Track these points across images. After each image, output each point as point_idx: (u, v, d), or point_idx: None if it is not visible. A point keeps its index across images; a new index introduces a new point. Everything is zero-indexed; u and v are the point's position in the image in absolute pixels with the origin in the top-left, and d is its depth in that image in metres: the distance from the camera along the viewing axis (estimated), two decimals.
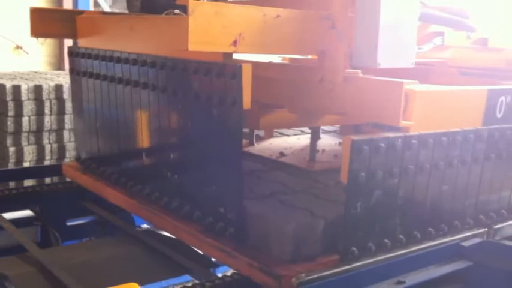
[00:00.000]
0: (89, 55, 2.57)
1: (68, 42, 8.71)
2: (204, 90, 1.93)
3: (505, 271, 1.93)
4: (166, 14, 2.64)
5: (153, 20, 2.22)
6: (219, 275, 1.99)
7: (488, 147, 2.08)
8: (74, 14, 2.72)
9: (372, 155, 1.72)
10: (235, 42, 1.73)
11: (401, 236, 1.90)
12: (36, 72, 6.08)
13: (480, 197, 2.14)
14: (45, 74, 5.58)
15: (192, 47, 1.65)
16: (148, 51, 2.19)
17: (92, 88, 2.62)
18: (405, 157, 1.81)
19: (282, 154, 2.65)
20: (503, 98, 2.12)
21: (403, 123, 1.75)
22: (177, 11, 2.64)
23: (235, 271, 1.88)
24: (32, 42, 8.60)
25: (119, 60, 2.35)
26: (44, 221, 2.79)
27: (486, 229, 2.17)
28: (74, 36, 2.70)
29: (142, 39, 2.20)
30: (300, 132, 3.28)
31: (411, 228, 1.93)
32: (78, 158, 2.90)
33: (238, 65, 1.75)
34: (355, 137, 1.68)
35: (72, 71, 2.78)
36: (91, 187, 2.73)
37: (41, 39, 8.74)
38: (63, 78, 5.06)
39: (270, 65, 2.59)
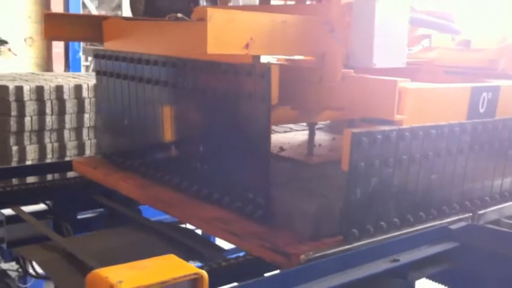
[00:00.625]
0: (116, 57, 2.75)
1: (56, 45, 8.86)
2: (234, 89, 2.12)
3: (488, 251, 2.10)
4: (169, 17, 2.82)
5: (179, 25, 2.40)
6: None
7: (472, 140, 2.26)
8: (96, 19, 2.91)
9: (370, 146, 1.91)
10: (247, 45, 1.92)
11: (395, 219, 2.10)
12: (33, 73, 6.19)
13: (465, 185, 2.34)
14: (43, 76, 5.69)
15: (210, 50, 1.84)
16: (175, 54, 2.38)
17: (120, 88, 2.78)
18: (399, 148, 2.00)
19: (281, 149, 2.84)
20: (485, 94, 2.31)
21: (397, 117, 1.95)
22: (179, 14, 2.81)
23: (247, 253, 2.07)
24: (20, 43, 8.71)
25: (148, 62, 2.53)
26: (56, 214, 2.92)
27: (471, 214, 2.36)
28: (96, 39, 2.89)
29: (171, 43, 2.37)
30: (289, 129, 3.48)
31: (404, 213, 2.12)
32: (101, 153, 3.06)
33: (267, 66, 1.96)
34: (355, 130, 1.87)
35: (98, 72, 2.95)
36: (103, 181, 2.87)
37: (29, 41, 8.88)
38: (62, 80, 5.18)
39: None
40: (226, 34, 1.88)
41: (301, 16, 2.11)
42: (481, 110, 2.31)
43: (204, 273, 1.50)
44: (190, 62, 2.31)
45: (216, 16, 1.84)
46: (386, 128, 1.96)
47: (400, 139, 2.00)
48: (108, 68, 2.86)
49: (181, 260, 1.57)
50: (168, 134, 2.57)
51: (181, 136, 2.52)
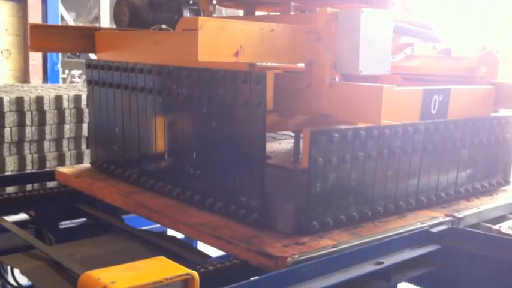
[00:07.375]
0: (109, 67, 2.77)
1: (33, 57, 8.77)
2: (230, 95, 2.16)
3: (468, 253, 2.18)
4: (153, 29, 2.84)
5: (172, 35, 2.45)
6: None
7: (425, 139, 2.37)
8: (83, 31, 2.93)
9: (327, 143, 2.03)
10: (237, 53, 1.96)
11: (354, 213, 2.20)
12: (12, 85, 6.13)
13: (421, 182, 2.44)
14: (22, 87, 5.63)
15: (201, 57, 1.87)
16: (169, 62, 2.41)
17: (112, 97, 2.80)
18: (355, 146, 2.11)
19: (268, 157, 2.88)
20: (436, 96, 2.38)
21: (384, 122, 2.01)
22: (164, 26, 2.84)
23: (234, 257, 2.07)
24: None
25: (142, 71, 2.55)
26: (38, 224, 2.90)
27: (451, 218, 2.42)
28: (89, 50, 2.91)
29: (165, 52, 2.41)
30: (272, 138, 3.52)
31: (363, 207, 2.23)
32: (93, 163, 3.05)
33: (263, 72, 2.02)
34: (314, 129, 1.99)
35: (90, 82, 2.96)
36: (87, 190, 2.87)
37: (5, 54, 8.79)
38: (42, 91, 5.14)
39: None
40: (217, 42, 1.92)
41: (289, 25, 2.16)
42: (433, 112, 2.39)
43: (195, 273, 1.52)
44: (185, 70, 2.34)
45: (207, 25, 1.88)
46: (342, 127, 2.07)
47: (356, 137, 2.11)
48: (100, 77, 2.86)
49: (172, 261, 1.59)
50: (161, 141, 2.58)
51: (175, 143, 2.53)
